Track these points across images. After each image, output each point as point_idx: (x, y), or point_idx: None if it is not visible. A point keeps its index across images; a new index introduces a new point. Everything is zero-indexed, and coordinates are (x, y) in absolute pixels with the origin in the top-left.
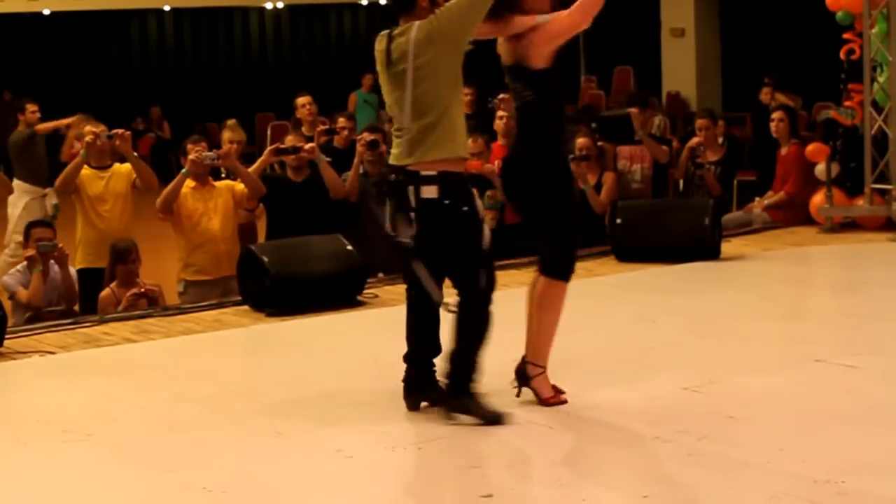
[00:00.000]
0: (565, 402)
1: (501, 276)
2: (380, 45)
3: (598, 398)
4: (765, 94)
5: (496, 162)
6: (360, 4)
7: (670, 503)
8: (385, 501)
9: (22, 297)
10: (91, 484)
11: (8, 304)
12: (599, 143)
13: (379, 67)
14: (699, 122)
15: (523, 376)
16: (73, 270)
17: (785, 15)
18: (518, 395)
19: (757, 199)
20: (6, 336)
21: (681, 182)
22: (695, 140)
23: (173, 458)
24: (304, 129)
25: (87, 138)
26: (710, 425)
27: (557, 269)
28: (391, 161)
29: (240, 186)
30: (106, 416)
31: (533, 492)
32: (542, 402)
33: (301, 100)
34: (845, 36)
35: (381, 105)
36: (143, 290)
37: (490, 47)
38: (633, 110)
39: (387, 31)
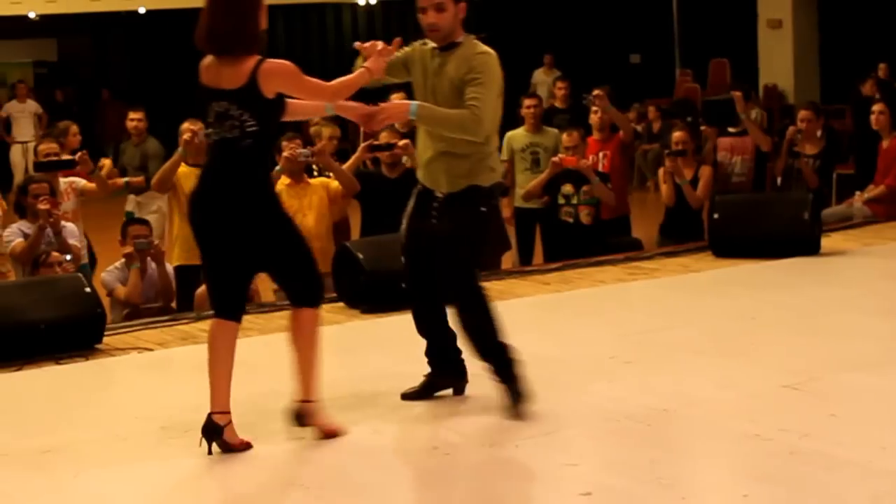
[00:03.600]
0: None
1: (597, 272)
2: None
3: (696, 395)
4: (868, 87)
5: (590, 157)
6: None
7: (771, 502)
8: (482, 499)
9: (120, 294)
10: (189, 480)
11: (106, 301)
12: (703, 129)
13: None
14: (802, 114)
15: (305, 417)
16: (169, 267)
17: (886, 4)
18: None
19: (857, 193)
20: (105, 333)
21: (778, 179)
22: (792, 129)
23: (270, 455)
24: (397, 125)
25: (185, 136)
26: (812, 423)
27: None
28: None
29: (334, 184)
30: (204, 412)
31: (632, 490)
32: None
33: (394, 96)
34: None
35: None
36: None
37: (582, 42)
38: (737, 94)
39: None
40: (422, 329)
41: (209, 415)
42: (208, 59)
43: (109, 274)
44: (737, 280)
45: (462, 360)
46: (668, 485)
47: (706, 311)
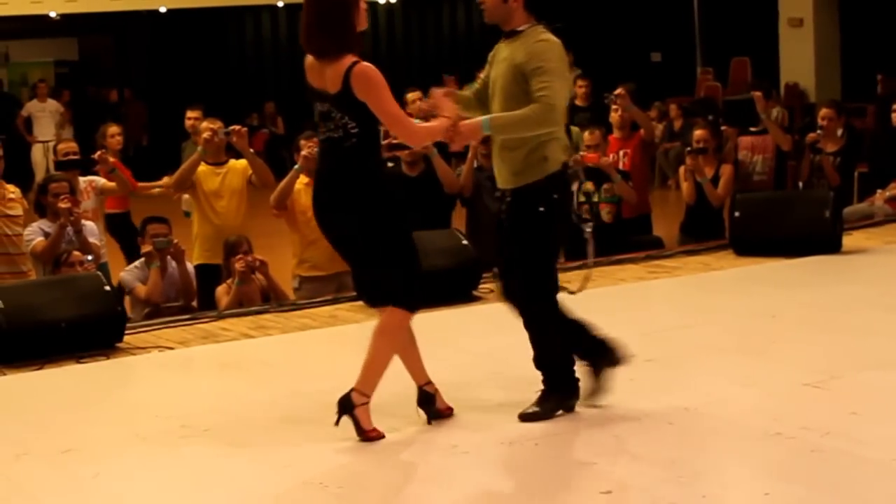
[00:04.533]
0: (383, 436)
1: (618, 271)
2: None
3: (717, 393)
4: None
5: (611, 155)
6: None
7: (792, 501)
8: (501, 498)
9: (140, 293)
10: (209, 478)
11: (127, 300)
12: (723, 128)
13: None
14: (823, 112)
15: (347, 404)
16: (190, 266)
17: None
18: (336, 423)
19: (879, 191)
20: (125, 332)
21: (800, 184)
22: (812, 136)
23: (290, 454)
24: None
25: (205, 135)
26: (833, 421)
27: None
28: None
29: None
30: (224, 411)
31: (652, 488)
32: (363, 434)
33: (411, 95)
34: None
35: None
36: (251, 257)
37: (603, 40)
38: (757, 94)
39: None
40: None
41: (419, 387)
42: (310, 59)
43: (129, 273)
44: (758, 278)
45: (601, 338)
46: (688, 483)
47: (727, 309)
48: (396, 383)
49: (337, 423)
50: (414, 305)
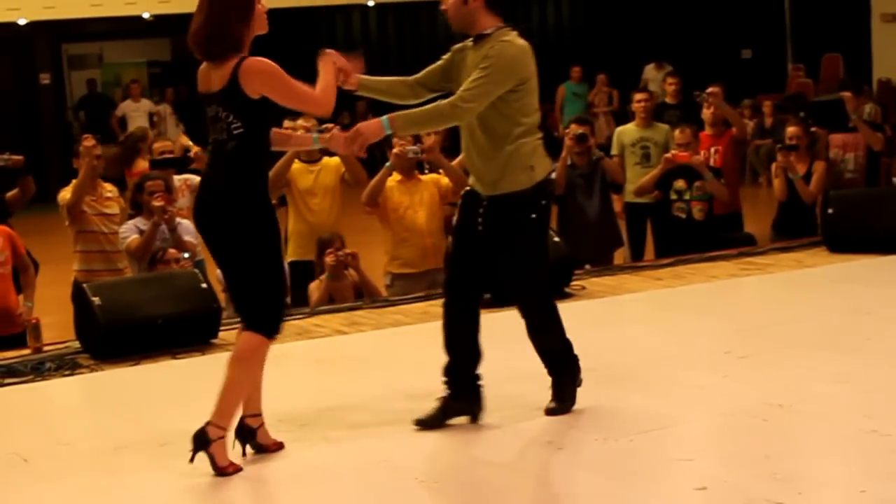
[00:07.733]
0: (240, 469)
1: (710, 268)
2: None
3: (812, 390)
4: None
5: (702, 152)
6: None
7: (889, 498)
8: (596, 493)
9: None
10: (304, 473)
11: (222, 297)
12: (813, 129)
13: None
14: None
15: (203, 440)
16: (284, 263)
17: None
18: (191, 460)
19: None
20: (220, 328)
21: (894, 179)
22: None
23: (385, 449)
24: None
25: (299, 133)
26: None
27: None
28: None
29: (445, 180)
30: (318, 407)
31: (747, 485)
32: (218, 470)
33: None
34: None
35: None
36: (342, 252)
37: (694, 37)
38: (847, 94)
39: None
40: (448, 342)
41: (241, 416)
42: (203, 65)
43: None
44: (852, 276)
45: (479, 385)
46: (783, 479)
47: (821, 306)
48: (490, 378)
49: (191, 459)
50: (272, 332)
